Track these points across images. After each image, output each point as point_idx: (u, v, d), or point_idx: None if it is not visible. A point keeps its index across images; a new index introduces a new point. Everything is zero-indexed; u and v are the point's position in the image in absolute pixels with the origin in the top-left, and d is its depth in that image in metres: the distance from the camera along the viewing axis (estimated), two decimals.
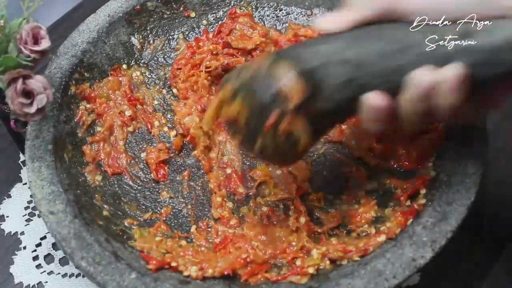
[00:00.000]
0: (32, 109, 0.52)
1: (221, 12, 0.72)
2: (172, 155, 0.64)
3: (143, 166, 0.63)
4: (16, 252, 0.62)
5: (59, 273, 0.61)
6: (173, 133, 0.65)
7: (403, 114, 0.45)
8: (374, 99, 0.45)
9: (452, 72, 0.42)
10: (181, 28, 0.71)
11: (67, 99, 0.61)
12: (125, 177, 0.61)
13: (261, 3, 0.72)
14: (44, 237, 0.63)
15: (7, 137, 0.68)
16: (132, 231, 0.56)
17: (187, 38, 0.70)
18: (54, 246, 0.62)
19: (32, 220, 0.64)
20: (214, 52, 0.68)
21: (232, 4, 0.72)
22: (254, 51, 0.68)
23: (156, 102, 0.67)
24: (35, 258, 0.62)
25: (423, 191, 0.55)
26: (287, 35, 0.70)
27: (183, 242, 0.56)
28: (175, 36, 0.70)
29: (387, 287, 0.48)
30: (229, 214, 0.59)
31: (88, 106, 0.63)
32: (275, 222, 0.58)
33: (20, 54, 0.52)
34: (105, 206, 0.57)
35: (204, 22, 0.71)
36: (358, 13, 0.47)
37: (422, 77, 0.43)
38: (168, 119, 0.66)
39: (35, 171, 0.54)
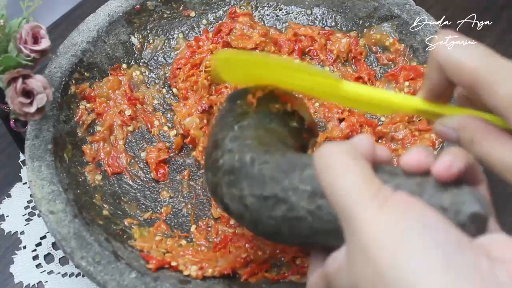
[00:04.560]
0: (32, 109, 0.52)
1: (221, 12, 0.72)
2: (172, 154, 0.64)
3: (143, 166, 0.63)
4: (16, 252, 0.62)
5: (59, 273, 0.61)
6: (173, 132, 0.65)
7: None
8: None
9: None
10: (181, 28, 0.71)
11: (67, 99, 0.61)
12: (125, 176, 0.61)
13: (261, 3, 0.72)
14: (44, 237, 0.63)
15: (7, 137, 0.68)
16: (132, 230, 0.56)
17: (187, 37, 0.70)
18: (54, 245, 0.62)
19: (32, 219, 0.64)
20: (214, 52, 0.68)
21: (232, 4, 0.72)
22: (254, 51, 0.68)
23: (156, 102, 0.67)
24: (35, 257, 0.62)
25: None
26: (287, 34, 0.70)
27: (183, 242, 0.56)
28: (175, 36, 0.70)
29: None
30: None
31: (88, 105, 0.63)
32: None
33: (20, 54, 0.52)
34: (105, 205, 0.57)
35: (204, 21, 0.71)
36: None
37: None
38: (168, 118, 0.66)
39: (35, 171, 0.54)
